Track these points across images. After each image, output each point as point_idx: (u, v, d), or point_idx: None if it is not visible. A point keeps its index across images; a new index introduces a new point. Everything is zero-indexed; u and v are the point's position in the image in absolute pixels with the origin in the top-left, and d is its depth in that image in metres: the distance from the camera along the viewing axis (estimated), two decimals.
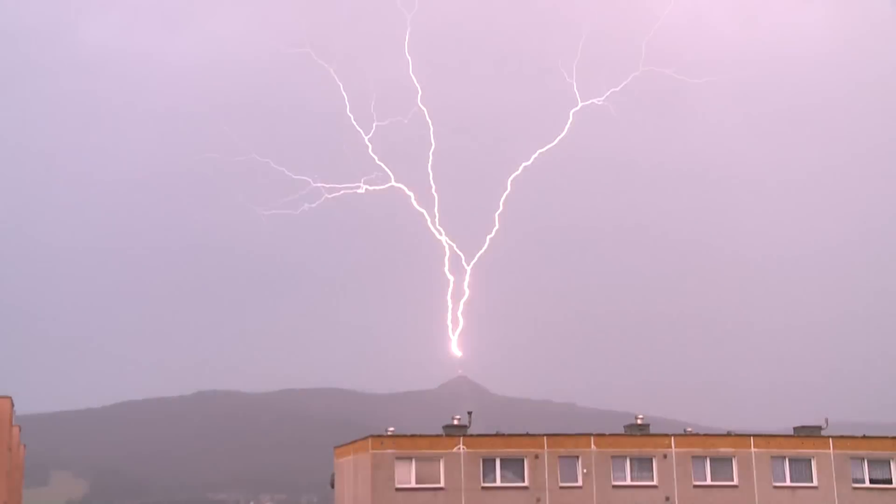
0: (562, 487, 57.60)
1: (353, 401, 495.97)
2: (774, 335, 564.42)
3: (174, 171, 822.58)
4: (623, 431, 62.97)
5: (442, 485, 56.78)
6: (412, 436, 59.05)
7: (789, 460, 60.14)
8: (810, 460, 60.26)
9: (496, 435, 60.15)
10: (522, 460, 57.80)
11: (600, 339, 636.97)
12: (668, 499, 58.31)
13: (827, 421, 62.81)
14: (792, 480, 59.84)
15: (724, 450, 60.03)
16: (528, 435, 59.37)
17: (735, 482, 59.32)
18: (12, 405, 58.70)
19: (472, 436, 58.68)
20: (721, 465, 59.61)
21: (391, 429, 59.64)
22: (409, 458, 56.77)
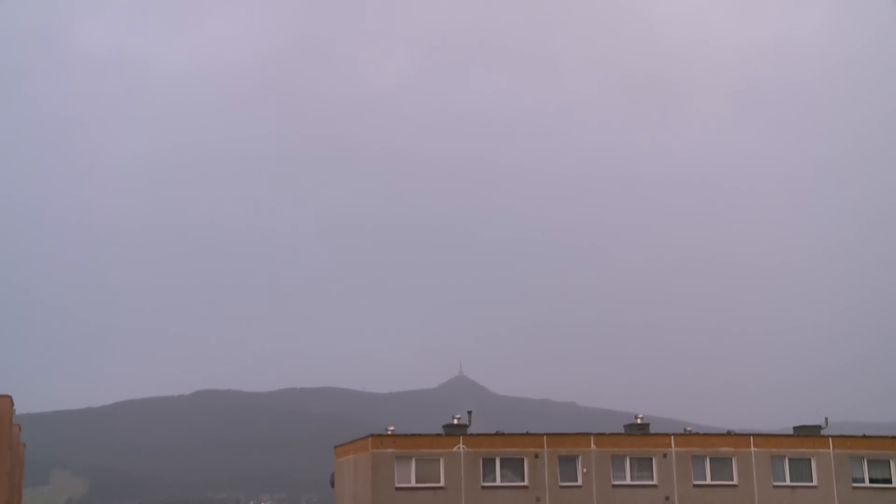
0: (562, 487, 57.58)
1: (353, 400, 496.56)
2: (774, 335, 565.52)
3: (174, 172, 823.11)
4: (623, 431, 62.97)
5: (442, 484, 56.76)
6: (412, 435, 59.06)
7: (789, 460, 60.14)
8: (810, 460, 60.24)
9: (496, 434, 60.14)
10: (522, 460, 57.77)
11: (600, 339, 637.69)
12: (667, 498, 58.30)
13: (826, 420, 62.81)
14: (792, 480, 59.83)
15: (724, 449, 60.03)
16: (527, 434, 59.35)
17: (735, 482, 59.30)
18: (12, 404, 58.76)
19: (472, 435, 58.64)
20: (721, 464, 59.57)
21: (391, 428, 59.59)
22: (410, 458, 56.74)
